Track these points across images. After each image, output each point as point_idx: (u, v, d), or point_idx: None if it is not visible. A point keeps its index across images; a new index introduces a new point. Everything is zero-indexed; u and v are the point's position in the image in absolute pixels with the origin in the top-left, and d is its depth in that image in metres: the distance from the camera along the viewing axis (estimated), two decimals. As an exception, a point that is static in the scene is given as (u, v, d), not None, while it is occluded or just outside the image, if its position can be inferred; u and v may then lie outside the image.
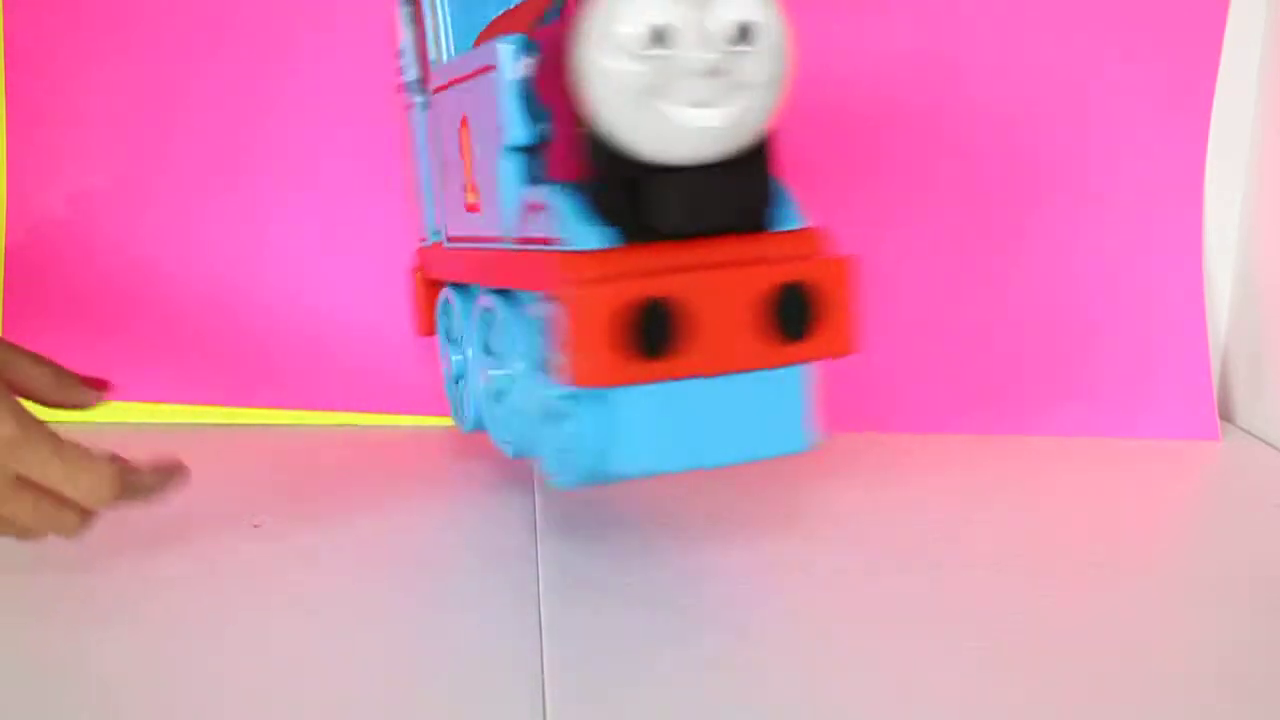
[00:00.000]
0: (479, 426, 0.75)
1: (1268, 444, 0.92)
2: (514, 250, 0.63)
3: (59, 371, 0.65)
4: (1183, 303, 0.94)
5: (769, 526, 0.75)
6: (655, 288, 0.55)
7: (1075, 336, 0.94)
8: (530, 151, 0.61)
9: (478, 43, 0.69)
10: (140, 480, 0.62)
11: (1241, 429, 0.96)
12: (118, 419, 0.89)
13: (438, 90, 0.71)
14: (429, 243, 0.78)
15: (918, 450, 0.89)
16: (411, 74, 0.75)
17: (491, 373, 0.71)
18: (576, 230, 0.56)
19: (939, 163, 0.92)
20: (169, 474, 0.63)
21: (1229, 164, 0.95)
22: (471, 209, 0.69)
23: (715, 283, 0.56)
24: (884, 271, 0.90)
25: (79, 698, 0.54)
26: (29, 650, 0.58)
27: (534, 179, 0.61)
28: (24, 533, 0.61)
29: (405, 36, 0.76)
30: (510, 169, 0.62)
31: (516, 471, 0.80)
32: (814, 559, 0.70)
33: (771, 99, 0.56)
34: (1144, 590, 0.68)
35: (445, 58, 0.71)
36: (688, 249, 0.56)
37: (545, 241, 0.59)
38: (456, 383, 0.79)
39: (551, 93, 0.58)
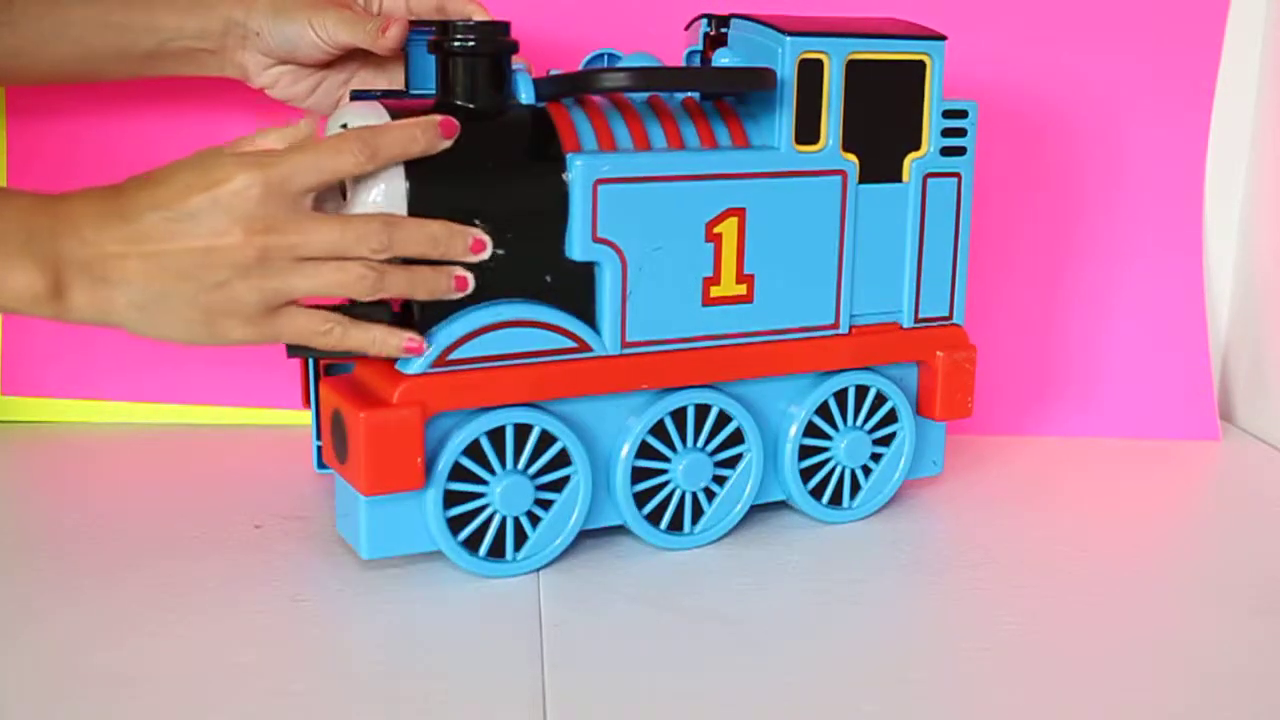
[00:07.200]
0: None
1: (1268, 444, 0.92)
2: None
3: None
4: (1183, 303, 0.94)
5: (767, 527, 0.75)
6: None
7: (1076, 337, 0.94)
8: None
9: None
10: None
11: (1241, 429, 0.96)
12: (120, 419, 0.89)
13: None
14: None
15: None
16: None
17: None
18: None
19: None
20: None
21: (1229, 165, 0.95)
22: None
23: None
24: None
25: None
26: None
27: None
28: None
29: None
30: None
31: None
32: (814, 559, 0.71)
33: None
34: (1144, 589, 0.68)
35: None
36: None
37: None
38: None
39: None
